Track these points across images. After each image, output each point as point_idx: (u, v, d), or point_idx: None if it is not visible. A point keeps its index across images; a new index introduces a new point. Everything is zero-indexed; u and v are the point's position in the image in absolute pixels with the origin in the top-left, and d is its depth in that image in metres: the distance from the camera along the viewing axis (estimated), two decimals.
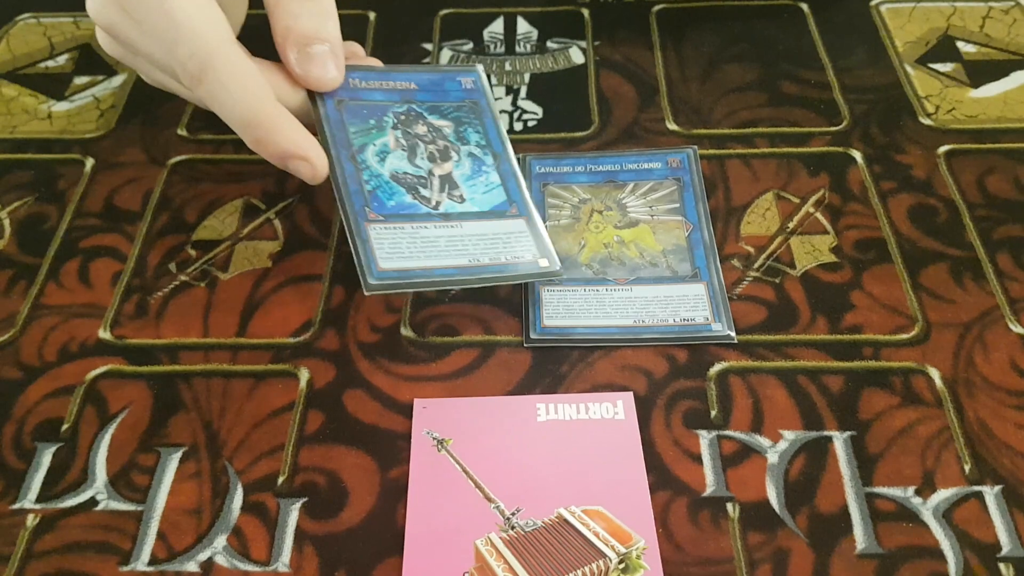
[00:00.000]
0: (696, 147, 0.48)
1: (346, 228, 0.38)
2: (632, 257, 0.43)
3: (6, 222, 0.46)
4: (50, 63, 0.55)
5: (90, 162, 0.49)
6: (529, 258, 0.39)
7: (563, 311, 0.41)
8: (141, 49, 0.40)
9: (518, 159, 0.48)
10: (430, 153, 0.41)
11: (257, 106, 0.38)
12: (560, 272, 0.40)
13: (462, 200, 0.40)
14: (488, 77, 0.53)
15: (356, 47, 0.44)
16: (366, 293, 0.36)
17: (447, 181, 0.41)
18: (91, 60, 0.55)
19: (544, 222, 0.44)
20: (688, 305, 0.40)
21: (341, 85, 0.41)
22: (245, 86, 0.37)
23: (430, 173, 0.40)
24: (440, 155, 0.41)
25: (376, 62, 0.43)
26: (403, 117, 0.42)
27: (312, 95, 0.40)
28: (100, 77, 0.54)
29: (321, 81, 0.39)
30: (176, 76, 0.39)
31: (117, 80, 0.54)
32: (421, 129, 0.41)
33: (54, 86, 0.54)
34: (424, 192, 0.40)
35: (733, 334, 0.40)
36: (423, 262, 0.37)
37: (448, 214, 0.40)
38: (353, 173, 0.39)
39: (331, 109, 0.40)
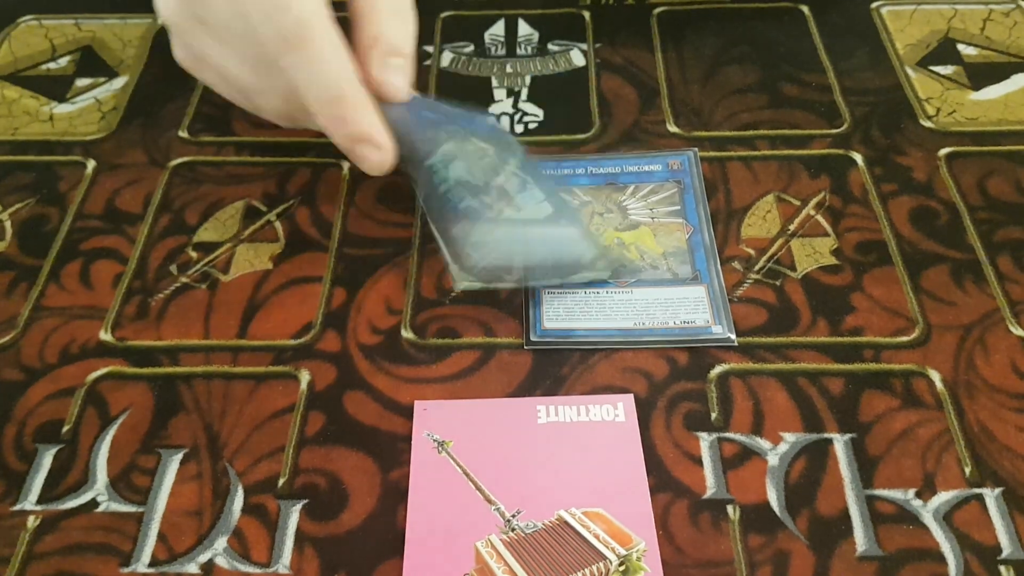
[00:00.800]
0: (697, 149, 0.48)
1: (431, 223, 0.41)
2: (633, 259, 0.43)
3: (7, 224, 0.46)
4: (51, 65, 0.55)
5: (91, 164, 0.49)
6: (588, 257, 0.41)
7: (563, 313, 0.41)
8: (223, 34, 0.39)
9: None
10: (482, 168, 0.42)
11: (347, 82, 0.38)
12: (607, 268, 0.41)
13: (518, 210, 0.41)
14: (489, 80, 0.53)
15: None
16: (456, 288, 0.40)
17: (501, 192, 0.41)
18: (92, 62, 0.55)
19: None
20: (688, 307, 0.40)
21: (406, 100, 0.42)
22: (341, 58, 0.38)
23: (486, 184, 0.41)
24: (492, 170, 0.42)
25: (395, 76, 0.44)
26: (455, 134, 0.43)
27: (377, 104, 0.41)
28: (101, 79, 0.54)
29: (397, 91, 0.40)
30: (259, 52, 0.38)
31: (118, 82, 0.54)
32: (471, 147, 0.42)
33: (55, 88, 0.54)
34: (485, 199, 0.41)
35: (734, 337, 0.40)
36: (510, 260, 0.40)
37: (512, 219, 0.41)
38: (428, 177, 0.41)
39: (400, 113, 0.41)
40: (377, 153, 0.40)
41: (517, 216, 0.41)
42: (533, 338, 0.40)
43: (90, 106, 0.52)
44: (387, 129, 0.40)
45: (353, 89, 0.38)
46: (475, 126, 0.45)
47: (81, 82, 0.54)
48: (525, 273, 0.40)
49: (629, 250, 0.43)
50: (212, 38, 0.40)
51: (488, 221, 0.40)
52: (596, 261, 0.41)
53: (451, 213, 0.40)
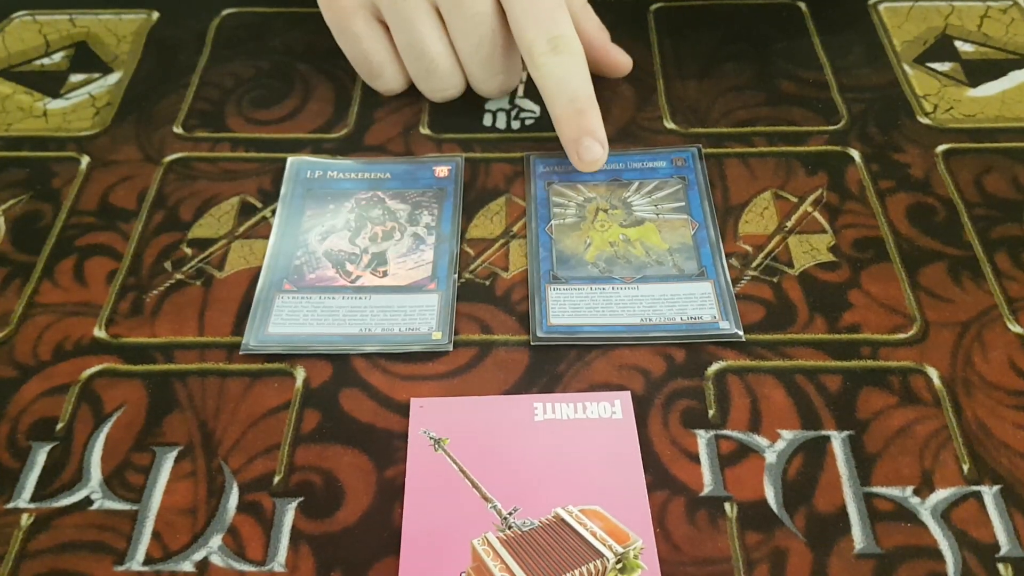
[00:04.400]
0: (701, 146, 0.48)
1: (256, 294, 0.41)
2: (638, 256, 0.43)
3: (1, 220, 0.46)
4: (45, 60, 0.55)
5: (85, 160, 0.49)
6: (424, 330, 0.40)
7: (569, 310, 0.40)
8: (466, 18, 0.45)
9: (520, 158, 0.48)
10: (373, 234, 0.43)
11: (590, 84, 0.45)
12: (448, 346, 0.39)
13: (384, 275, 0.42)
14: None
15: (604, 35, 0.50)
16: (240, 352, 0.39)
17: (377, 258, 0.42)
18: (87, 58, 0.55)
19: (550, 221, 0.44)
20: (695, 303, 0.40)
21: (318, 178, 0.46)
22: (585, 64, 0.45)
23: (364, 251, 0.43)
24: (383, 236, 0.43)
25: (622, 55, 0.51)
26: (363, 202, 0.45)
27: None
28: (96, 75, 0.54)
29: (594, 166, 0.45)
30: (505, 45, 0.46)
31: (113, 78, 0.54)
32: (376, 212, 0.44)
33: (49, 84, 0.53)
34: (349, 267, 0.42)
35: (741, 332, 0.39)
36: (315, 328, 0.40)
37: (362, 288, 0.41)
38: (290, 249, 0.43)
39: (297, 196, 0.45)
40: (600, 149, 0.44)
41: (374, 282, 0.41)
42: (539, 334, 0.40)
43: (84, 102, 0.52)
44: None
45: (591, 90, 0.44)
46: (411, 183, 0.46)
47: (75, 78, 0.54)
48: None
49: (634, 246, 0.43)
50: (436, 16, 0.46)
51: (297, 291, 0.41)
52: (433, 332, 0.39)
53: (278, 291, 0.41)
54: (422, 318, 0.40)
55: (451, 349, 0.39)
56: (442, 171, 0.47)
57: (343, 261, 0.42)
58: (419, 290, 0.41)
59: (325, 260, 0.42)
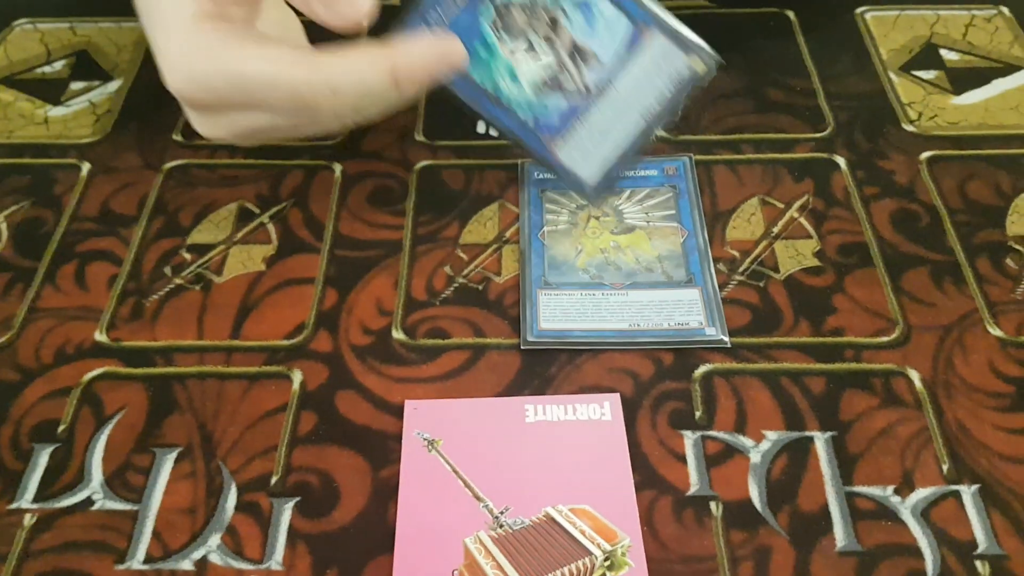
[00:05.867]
0: (692, 155, 0.48)
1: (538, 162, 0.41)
2: (628, 262, 0.43)
3: (3, 226, 0.47)
4: (47, 68, 0.56)
5: (86, 167, 0.49)
6: (673, 67, 0.38)
7: (559, 314, 0.41)
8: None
9: (514, 165, 0.49)
10: (545, 36, 0.38)
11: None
12: (714, 63, 0.37)
13: (599, 61, 0.38)
14: None
15: None
16: (593, 197, 0.42)
17: (575, 51, 0.38)
18: (87, 66, 0.56)
19: (543, 227, 0.45)
20: (683, 310, 0.41)
21: (431, 22, 0.38)
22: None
23: (558, 55, 0.38)
24: (552, 28, 0.38)
25: None
26: (496, 21, 0.38)
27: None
28: (96, 82, 0.55)
29: (356, 10, 0.36)
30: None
31: (113, 85, 0.54)
32: (519, 18, 0.38)
33: (51, 91, 0.54)
34: (567, 83, 0.39)
35: (727, 339, 0.40)
36: (609, 146, 0.40)
37: (598, 87, 0.39)
38: (509, 115, 0.40)
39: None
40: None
41: (599, 74, 0.38)
42: (529, 338, 0.40)
43: (85, 109, 0.53)
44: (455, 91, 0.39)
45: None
46: None
47: (76, 85, 0.55)
48: (643, 137, 0.39)
49: (625, 253, 0.44)
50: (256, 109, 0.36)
51: (566, 135, 0.39)
52: (688, 59, 0.36)
53: (547, 150, 0.40)
54: (665, 60, 0.38)
55: (715, 68, 0.38)
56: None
57: (558, 81, 0.39)
58: (636, 46, 0.38)
59: (546, 95, 0.39)
